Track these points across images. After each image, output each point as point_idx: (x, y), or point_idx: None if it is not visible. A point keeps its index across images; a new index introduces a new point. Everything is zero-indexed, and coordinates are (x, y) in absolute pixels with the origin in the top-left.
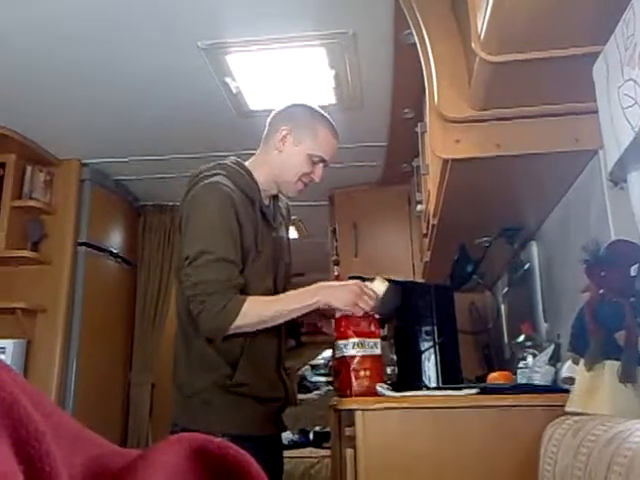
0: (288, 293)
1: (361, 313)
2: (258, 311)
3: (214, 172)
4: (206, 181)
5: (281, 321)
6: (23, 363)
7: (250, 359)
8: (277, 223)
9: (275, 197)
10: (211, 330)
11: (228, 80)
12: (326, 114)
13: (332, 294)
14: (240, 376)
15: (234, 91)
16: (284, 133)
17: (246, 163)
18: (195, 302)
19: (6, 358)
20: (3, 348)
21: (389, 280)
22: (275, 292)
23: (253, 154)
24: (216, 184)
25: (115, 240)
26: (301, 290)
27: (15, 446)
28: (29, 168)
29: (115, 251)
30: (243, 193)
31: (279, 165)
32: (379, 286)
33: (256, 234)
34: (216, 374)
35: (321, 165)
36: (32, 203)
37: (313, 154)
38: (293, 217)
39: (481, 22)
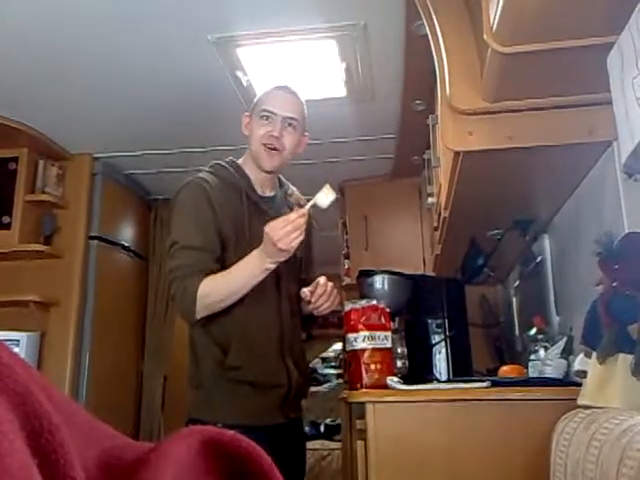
0: (238, 266)
1: (299, 239)
2: (216, 287)
3: (201, 171)
4: (186, 180)
5: (245, 292)
6: (37, 356)
7: (243, 343)
8: (282, 213)
9: (286, 193)
10: (182, 313)
11: (239, 74)
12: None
13: (272, 255)
14: (233, 359)
15: (245, 84)
16: (245, 121)
17: (239, 161)
18: (170, 289)
19: (20, 351)
20: (17, 341)
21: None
22: (277, 278)
23: None
24: (191, 181)
25: (126, 234)
26: (248, 261)
27: (29, 439)
28: (41, 162)
29: (126, 244)
30: (226, 184)
31: (250, 145)
32: (323, 199)
33: (240, 221)
34: (213, 362)
35: (277, 119)
36: (45, 197)
37: (259, 111)
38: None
39: (493, 13)
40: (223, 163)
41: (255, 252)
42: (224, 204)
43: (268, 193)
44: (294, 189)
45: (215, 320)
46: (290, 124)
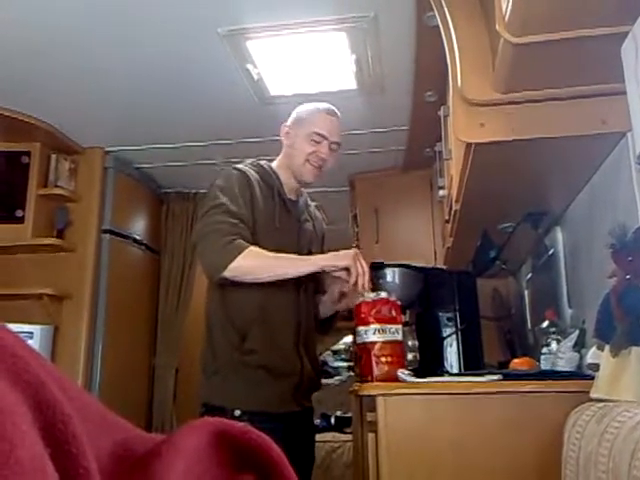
0: (287, 255)
1: (354, 275)
2: (258, 258)
3: (240, 163)
4: (230, 167)
5: (273, 277)
6: (50, 348)
7: (261, 329)
8: (303, 218)
9: (306, 201)
10: (212, 264)
11: (249, 67)
12: (324, 102)
13: (327, 258)
14: (250, 343)
15: (255, 77)
16: (286, 130)
17: (272, 164)
18: (202, 240)
19: (34, 343)
20: (31, 333)
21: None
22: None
23: (274, 140)
24: (235, 168)
25: (138, 227)
26: (300, 257)
27: (42, 429)
28: (54, 156)
29: (139, 238)
30: (262, 180)
31: (289, 156)
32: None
33: (272, 214)
34: (230, 347)
35: (325, 143)
36: (57, 191)
37: (310, 133)
38: (314, 203)
39: (505, 3)
40: (258, 162)
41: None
42: (260, 196)
43: (293, 197)
44: (310, 201)
45: (235, 305)
46: (334, 147)
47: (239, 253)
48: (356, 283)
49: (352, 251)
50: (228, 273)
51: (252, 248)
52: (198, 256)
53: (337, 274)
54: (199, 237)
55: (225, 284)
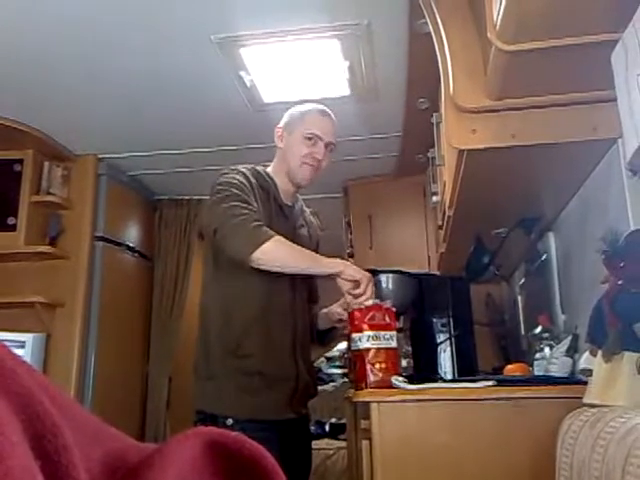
0: (315, 254)
1: (362, 289)
2: (287, 247)
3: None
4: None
5: (297, 270)
6: (43, 357)
7: (260, 331)
8: (298, 224)
9: (302, 207)
10: (245, 243)
11: (242, 74)
12: (317, 103)
13: (348, 264)
14: (245, 347)
15: (248, 84)
16: (279, 132)
17: (267, 169)
18: (229, 221)
19: (26, 352)
20: (23, 342)
21: None
22: (292, 280)
23: (267, 147)
24: (234, 169)
25: (132, 234)
26: (325, 258)
27: (32, 440)
28: (46, 164)
29: (132, 245)
30: (259, 183)
31: (283, 158)
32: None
33: (269, 217)
34: (225, 351)
35: (321, 144)
36: (50, 198)
37: (305, 133)
38: (309, 209)
39: (497, 10)
40: (255, 167)
41: (331, 259)
42: (258, 197)
43: (289, 203)
44: (305, 207)
45: (233, 307)
46: (330, 148)
47: (270, 237)
48: (356, 296)
49: (369, 274)
50: (259, 255)
51: (279, 237)
52: (225, 238)
53: (343, 284)
54: (225, 218)
55: (220, 286)
